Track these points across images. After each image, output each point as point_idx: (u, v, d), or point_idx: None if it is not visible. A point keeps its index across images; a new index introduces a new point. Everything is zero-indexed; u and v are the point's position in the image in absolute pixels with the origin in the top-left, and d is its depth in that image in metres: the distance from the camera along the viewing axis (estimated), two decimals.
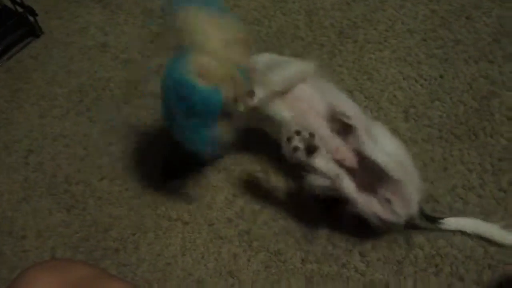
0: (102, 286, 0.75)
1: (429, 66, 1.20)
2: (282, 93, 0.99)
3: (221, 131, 0.94)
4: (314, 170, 0.90)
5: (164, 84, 0.93)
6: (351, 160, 0.95)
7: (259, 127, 1.05)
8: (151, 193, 1.10)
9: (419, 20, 1.28)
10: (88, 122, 1.25)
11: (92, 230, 1.08)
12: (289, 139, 0.89)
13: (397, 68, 1.21)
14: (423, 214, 0.97)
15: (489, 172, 1.03)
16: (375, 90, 1.18)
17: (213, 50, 0.91)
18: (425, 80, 1.18)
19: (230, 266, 0.99)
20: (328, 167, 0.90)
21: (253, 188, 1.08)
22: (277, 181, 1.07)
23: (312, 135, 0.89)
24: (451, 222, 0.97)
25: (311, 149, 0.88)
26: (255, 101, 0.94)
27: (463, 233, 0.97)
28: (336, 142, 0.96)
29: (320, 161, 0.89)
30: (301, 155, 0.88)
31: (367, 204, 0.92)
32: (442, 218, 0.98)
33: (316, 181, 0.91)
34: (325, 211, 1.02)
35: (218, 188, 1.09)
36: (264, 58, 1.05)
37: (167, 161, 1.11)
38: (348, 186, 0.91)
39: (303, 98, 1.00)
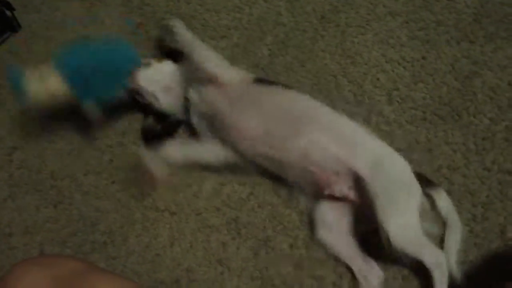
0: (91, 280, 0.75)
1: (412, 48, 1.20)
2: None
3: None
4: None
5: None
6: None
7: None
8: (137, 185, 1.10)
9: (400, 3, 1.27)
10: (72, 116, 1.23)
11: (80, 225, 1.07)
12: None
13: (379, 51, 1.21)
14: None
15: (473, 152, 1.04)
16: (358, 74, 1.18)
17: None
18: (408, 62, 1.18)
19: (219, 254, 0.99)
20: None
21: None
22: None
23: None
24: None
25: None
26: None
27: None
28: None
29: None
30: None
31: None
32: None
33: None
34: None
35: (204, 177, 1.09)
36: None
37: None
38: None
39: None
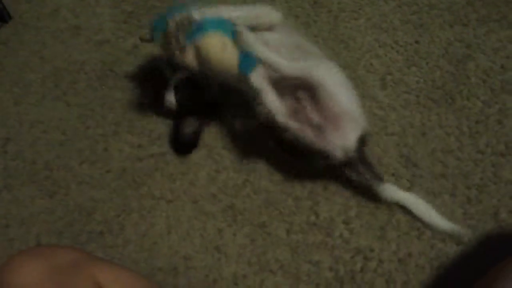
0: (89, 269, 0.75)
1: (405, 32, 1.20)
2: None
3: None
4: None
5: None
6: None
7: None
8: (132, 173, 1.10)
9: None
10: (65, 106, 1.23)
11: (76, 215, 1.07)
12: None
13: (372, 36, 1.21)
14: (362, 159, 0.96)
15: (466, 135, 1.05)
16: (352, 59, 1.18)
17: None
18: (401, 46, 1.18)
19: (216, 241, 1.00)
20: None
21: None
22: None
23: None
24: (390, 190, 0.96)
25: None
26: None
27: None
28: None
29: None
30: None
31: (300, 129, 0.93)
32: (381, 178, 0.97)
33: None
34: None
35: (200, 165, 1.09)
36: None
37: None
38: (274, 101, 0.93)
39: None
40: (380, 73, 1.15)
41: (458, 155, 1.03)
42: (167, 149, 1.12)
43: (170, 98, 1.06)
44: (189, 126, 1.11)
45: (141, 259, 1.00)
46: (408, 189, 1.00)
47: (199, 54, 0.99)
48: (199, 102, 1.11)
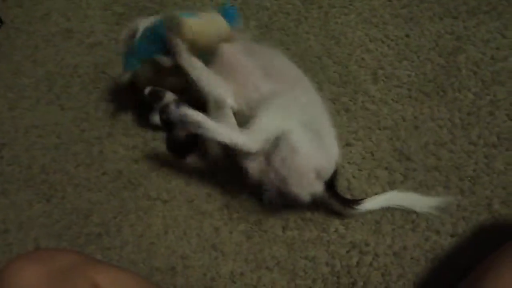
0: (88, 272, 0.76)
1: (395, 27, 1.21)
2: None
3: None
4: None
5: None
6: None
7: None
8: (128, 175, 1.10)
9: None
10: (59, 110, 1.23)
11: (74, 218, 1.08)
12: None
13: (363, 31, 1.21)
14: (334, 195, 0.96)
15: (458, 127, 1.06)
16: (343, 54, 1.18)
17: None
18: (392, 40, 1.19)
19: (213, 240, 1.00)
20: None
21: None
22: None
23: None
24: (369, 205, 0.97)
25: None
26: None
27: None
28: None
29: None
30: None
31: (266, 179, 0.94)
32: (358, 203, 0.97)
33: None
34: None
35: (195, 165, 1.09)
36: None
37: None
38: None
39: (236, 68, 0.99)
40: (371, 67, 1.16)
41: (451, 147, 1.04)
42: (162, 150, 1.12)
43: (154, 119, 1.09)
44: (182, 132, 1.10)
45: (139, 260, 1.01)
46: (402, 182, 1.01)
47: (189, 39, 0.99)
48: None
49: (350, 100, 1.11)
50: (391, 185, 1.01)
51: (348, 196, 1.00)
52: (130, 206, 1.07)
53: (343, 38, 1.21)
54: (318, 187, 0.93)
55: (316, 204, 0.98)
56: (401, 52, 1.17)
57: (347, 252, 0.96)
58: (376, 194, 0.99)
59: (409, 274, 0.92)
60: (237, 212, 1.02)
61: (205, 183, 1.07)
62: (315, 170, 0.92)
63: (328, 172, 0.94)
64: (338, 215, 0.98)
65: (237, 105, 0.96)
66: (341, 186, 1.01)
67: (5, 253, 1.06)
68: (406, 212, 0.97)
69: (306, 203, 0.94)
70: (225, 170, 1.07)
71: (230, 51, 1.00)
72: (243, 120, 0.95)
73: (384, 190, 1.00)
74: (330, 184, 0.95)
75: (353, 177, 1.03)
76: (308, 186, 0.92)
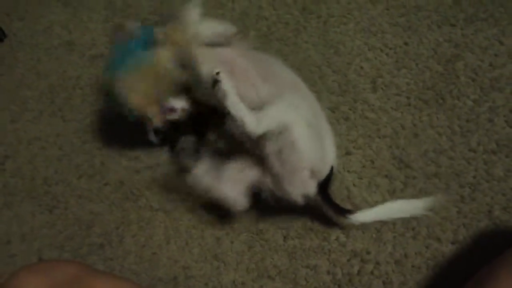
0: (90, 283, 0.76)
1: (393, 35, 1.21)
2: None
3: None
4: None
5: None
6: None
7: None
8: (130, 185, 1.11)
9: None
10: (61, 122, 1.24)
11: (76, 228, 1.09)
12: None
13: (362, 40, 1.22)
14: (328, 201, 0.96)
15: (458, 134, 1.06)
16: (342, 64, 1.19)
17: None
18: (390, 49, 1.20)
19: (214, 250, 1.01)
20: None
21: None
22: None
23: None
24: (361, 217, 0.96)
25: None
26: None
27: None
28: None
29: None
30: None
31: (260, 177, 0.94)
32: (350, 212, 0.96)
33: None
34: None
35: None
36: None
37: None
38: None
39: (236, 71, 0.99)
40: (370, 76, 1.16)
41: (450, 154, 1.04)
42: (164, 160, 1.13)
43: (152, 137, 1.08)
44: (185, 144, 1.11)
45: (141, 270, 1.01)
46: (402, 190, 1.01)
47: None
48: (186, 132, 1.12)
49: (350, 109, 1.12)
50: (391, 193, 1.01)
51: (349, 205, 1.00)
52: (132, 217, 1.08)
53: (342, 47, 1.22)
54: (311, 188, 0.93)
55: (316, 213, 0.98)
56: (400, 61, 1.17)
57: (348, 260, 0.96)
58: (376, 202, 0.99)
59: (411, 282, 0.92)
60: (238, 222, 1.03)
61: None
62: (310, 169, 0.92)
63: (322, 174, 0.94)
64: (339, 224, 0.98)
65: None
66: (341, 194, 1.02)
67: (8, 264, 1.07)
68: (407, 220, 0.98)
69: (300, 204, 0.93)
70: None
71: (230, 55, 1.01)
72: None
73: (384, 198, 1.00)
74: (324, 188, 0.95)
75: (354, 185, 1.03)
76: (301, 184, 0.92)
